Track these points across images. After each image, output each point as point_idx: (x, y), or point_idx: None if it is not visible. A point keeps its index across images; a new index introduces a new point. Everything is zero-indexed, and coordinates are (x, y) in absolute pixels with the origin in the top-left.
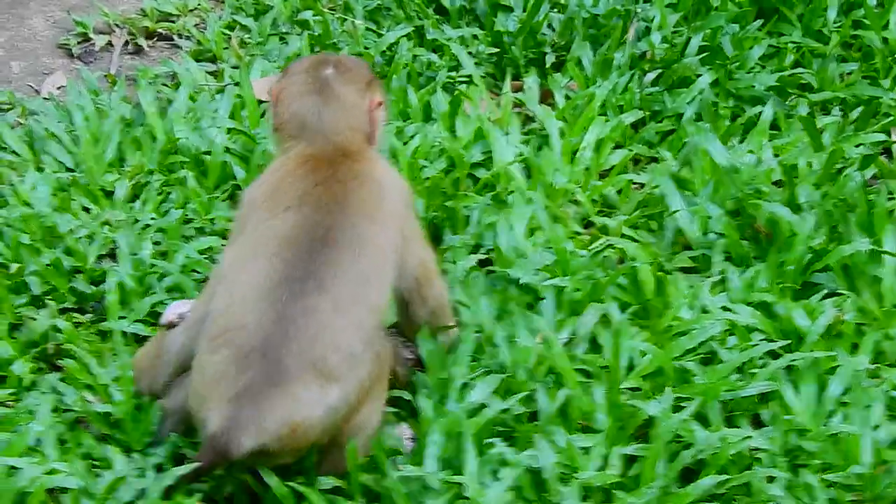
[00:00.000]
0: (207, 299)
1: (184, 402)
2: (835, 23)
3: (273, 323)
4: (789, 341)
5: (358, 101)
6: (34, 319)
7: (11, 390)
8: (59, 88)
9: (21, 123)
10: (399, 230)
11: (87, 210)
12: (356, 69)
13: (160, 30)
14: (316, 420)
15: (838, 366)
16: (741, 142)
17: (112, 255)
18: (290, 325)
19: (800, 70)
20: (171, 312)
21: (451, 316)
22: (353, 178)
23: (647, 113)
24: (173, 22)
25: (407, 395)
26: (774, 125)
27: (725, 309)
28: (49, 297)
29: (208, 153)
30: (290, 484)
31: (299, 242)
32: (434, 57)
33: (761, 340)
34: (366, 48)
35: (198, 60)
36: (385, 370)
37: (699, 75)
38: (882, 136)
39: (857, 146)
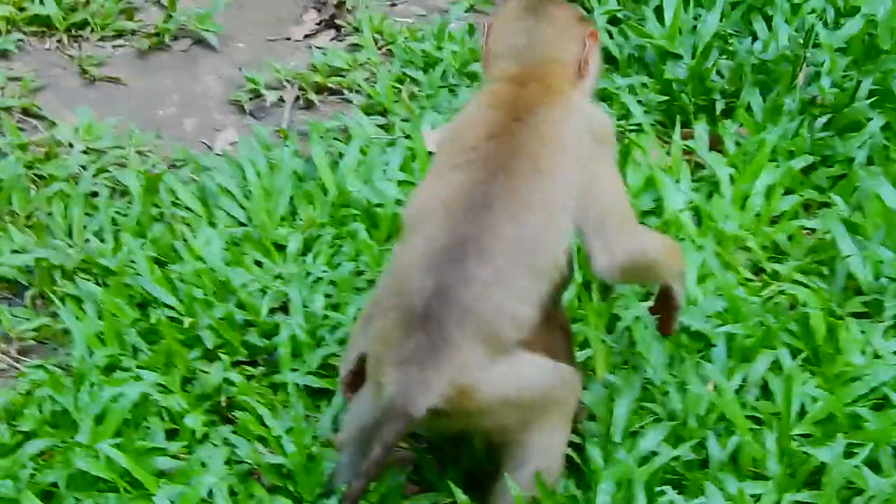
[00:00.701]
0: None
1: (358, 422)
2: None
3: (434, 290)
4: None
5: (572, 25)
6: (207, 373)
7: (184, 443)
8: (231, 144)
9: (194, 179)
10: (581, 170)
11: (259, 264)
12: (572, 7)
13: (330, 84)
14: (483, 383)
15: None
16: None
17: (284, 309)
18: (450, 292)
19: None
20: None
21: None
22: (531, 124)
23: (818, 158)
24: (343, 76)
25: (576, 439)
26: None
27: None
28: (222, 350)
29: (380, 206)
30: None
31: (460, 207)
32: (604, 106)
33: None
34: None
35: (368, 114)
36: (571, 400)
37: (870, 119)
38: None
39: None
